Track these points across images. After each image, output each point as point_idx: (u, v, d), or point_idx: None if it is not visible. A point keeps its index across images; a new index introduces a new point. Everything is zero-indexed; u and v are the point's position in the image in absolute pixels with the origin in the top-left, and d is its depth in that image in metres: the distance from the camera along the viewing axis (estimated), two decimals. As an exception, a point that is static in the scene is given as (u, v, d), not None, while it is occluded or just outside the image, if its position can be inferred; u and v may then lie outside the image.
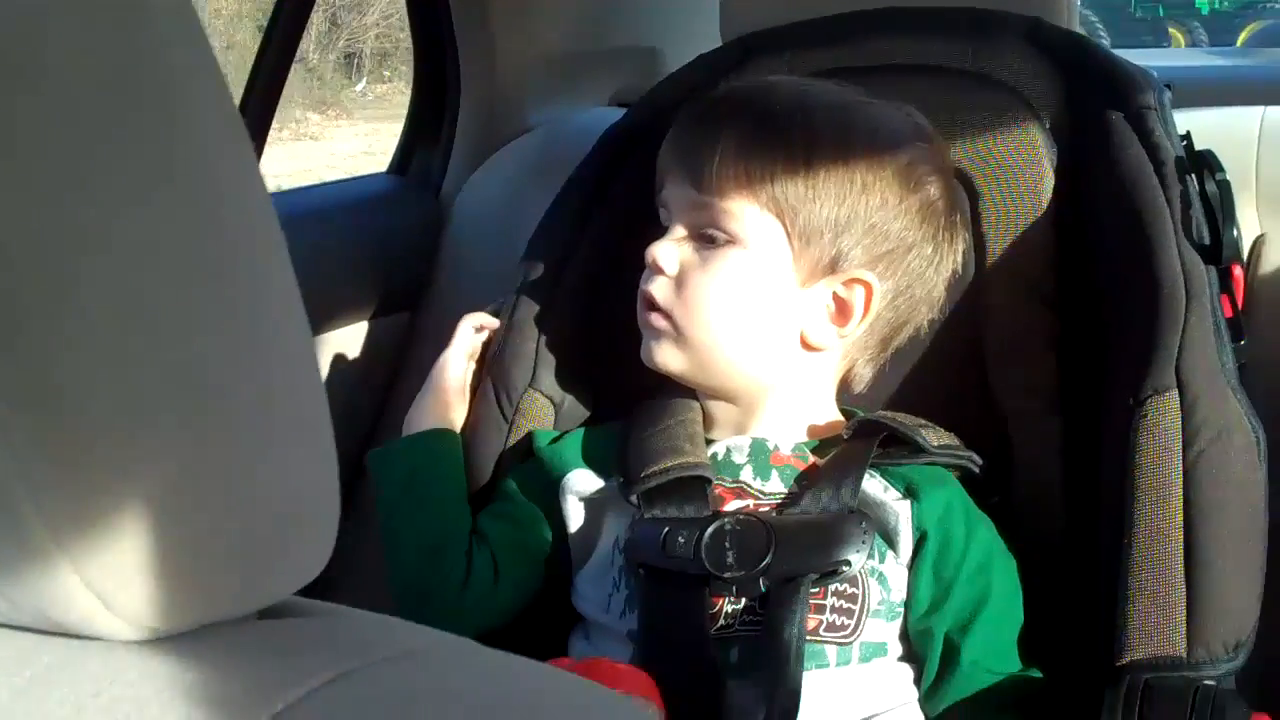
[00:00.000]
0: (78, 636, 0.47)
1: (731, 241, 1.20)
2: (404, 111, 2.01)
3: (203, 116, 0.46)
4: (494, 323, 1.39)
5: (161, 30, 0.45)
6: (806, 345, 1.23)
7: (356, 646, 0.48)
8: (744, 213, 1.19)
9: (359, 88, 11.11)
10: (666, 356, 1.23)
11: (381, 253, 1.77)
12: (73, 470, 0.42)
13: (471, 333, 1.39)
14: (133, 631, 0.46)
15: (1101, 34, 8.59)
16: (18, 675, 0.45)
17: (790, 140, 1.19)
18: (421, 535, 1.28)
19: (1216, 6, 11.66)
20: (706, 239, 1.21)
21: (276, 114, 1.77)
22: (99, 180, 0.43)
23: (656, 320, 1.22)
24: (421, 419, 1.34)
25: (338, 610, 0.52)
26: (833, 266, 1.20)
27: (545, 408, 1.35)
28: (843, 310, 1.22)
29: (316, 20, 9.67)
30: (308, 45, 9.80)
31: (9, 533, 0.43)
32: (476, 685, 0.49)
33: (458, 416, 1.36)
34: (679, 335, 1.22)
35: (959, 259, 1.27)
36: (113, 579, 0.44)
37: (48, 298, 0.41)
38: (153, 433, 0.44)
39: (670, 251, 1.22)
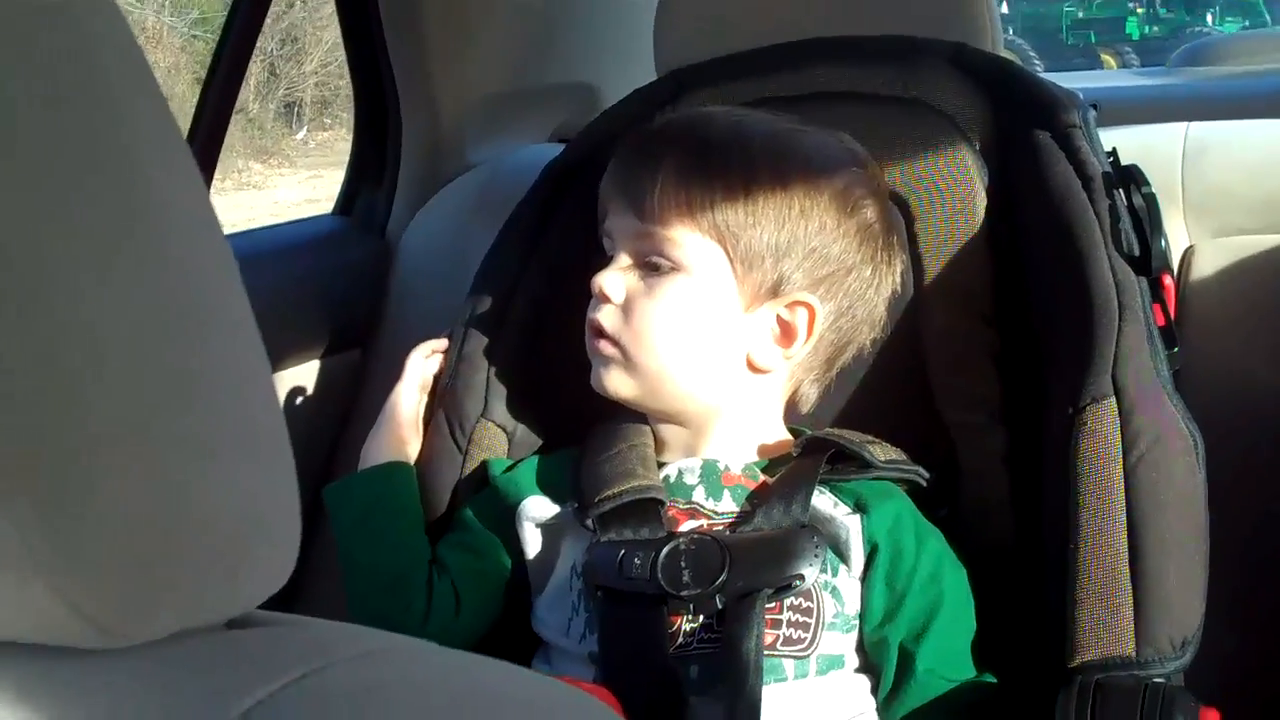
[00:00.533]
0: (52, 647, 0.48)
1: (676, 268, 1.22)
2: (346, 158, 2.02)
3: (146, 144, 0.48)
4: (443, 344, 1.41)
5: (103, 49, 0.47)
6: (753, 368, 1.25)
7: (322, 648, 0.50)
8: (686, 240, 1.22)
9: (300, 136, 11.10)
10: (616, 383, 1.25)
11: (330, 292, 1.78)
12: (46, 486, 0.44)
13: (422, 365, 1.40)
14: (105, 640, 0.47)
15: (1035, 61, 8.68)
16: (1, 687, 0.47)
17: (728, 168, 1.22)
18: (381, 567, 1.29)
19: (1147, 32, 11.83)
20: (651, 266, 1.23)
21: (219, 164, 1.78)
22: (54, 210, 0.44)
23: (605, 348, 1.24)
24: (376, 453, 1.36)
25: (302, 619, 0.54)
26: (775, 290, 1.23)
27: (498, 437, 1.36)
28: (786, 332, 1.24)
29: (255, 70, 9.65)
30: (247, 95, 9.78)
31: None
32: (442, 678, 0.50)
33: (412, 449, 1.37)
34: (628, 362, 1.24)
35: (898, 279, 1.30)
36: (86, 590, 0.45)
37: (12, 324, 0.43)
38: (118, 449, 0.45)
39: (616, 280, 1.24)
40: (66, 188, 0.45)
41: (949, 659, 1.17)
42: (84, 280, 0.45)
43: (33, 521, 0.44)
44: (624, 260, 1.25)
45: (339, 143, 10.20)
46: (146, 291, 0.47)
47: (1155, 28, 11.83)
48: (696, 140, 1.24)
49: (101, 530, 0.45)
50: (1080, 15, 12.18)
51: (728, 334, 1.23)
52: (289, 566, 0.53)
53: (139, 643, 0.48)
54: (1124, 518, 1.14)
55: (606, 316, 1.24)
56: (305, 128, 11.16)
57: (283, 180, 9.94)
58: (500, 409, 1.37)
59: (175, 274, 0.48)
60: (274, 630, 0.52)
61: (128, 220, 0.46)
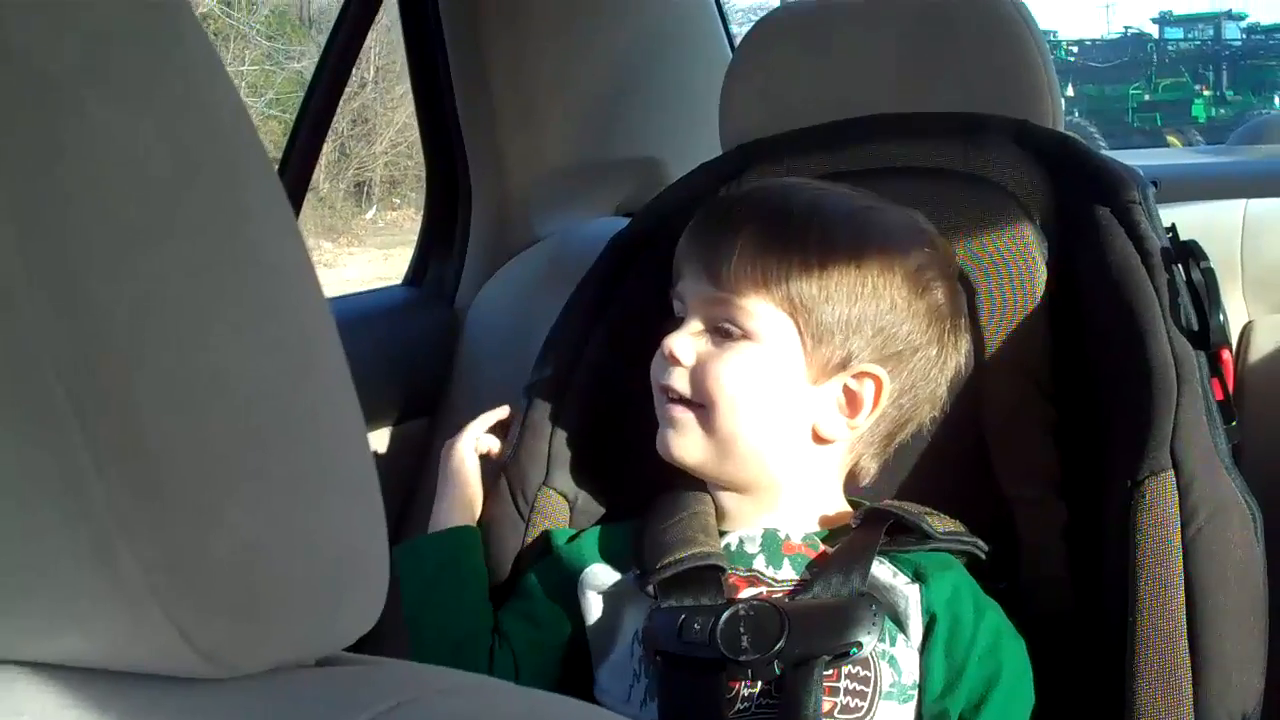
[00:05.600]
0: (158, 676, 0.51)
1: (746, 336, 1.23)
2: (414, 237, 2.06)
3: (259, 204, 0.51)
4: (503, 413, 1.44)
5: (223, 119, 0.50)
6: (818, 438, 1.26)
7: (411, 683, 0.52)
8: (759, 310, 1.23)
9: (369, 215, 11.25)
10: (682, 447, 1.26)
11: (399, 361, 1.81)
12: (166, 521, 0.47)
13: (479, 432, 1.43)
14: (211, 670, 0.50)
15: (1099, 142, 8.70)
16: (108, 713, 0.49)
17: (806, 242, 1.23)
18: (447, 632, 1.30)
19: (1214, 114, 11.83)
20: (722, 332, 1.24)
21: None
22: (180, 266, 0.47)
23: (674, 411, 1.26)
24: (446, 517, 1.38)
25: (389, 660, 0.56)
26: (843, 365, 1.24)
27: (560, 504, 1.38)
28: (852, 402, 1.25)
29: (326, 150, 9.79)
30: (319, 175, 9.93)
31: (108, 579, 0.47)
32: (526, 714, 0.53)
33: (478, 513, 1.39)
34: (695, 426, 1.25)
35: (963, 359, 1.31)
36: (199, 622, 0.48)
37: (139, 369, 0.46)
38: (229, 489, 0.48)
39: (686, 343, 1.25)
40: (201, 259, 0.48)
41: (1008, 731, 1.17)
42: (212, 328, 0.48)
43: (155, 557, 0.46)
44: (695, 325, 1.26)
45: (407, 222, 10.32)
46: (261, 339, 0.50)
47: (1222, 110, 11.83)
48: (776, 213, 1.26)
49: (217, 565, 0.48)
50: (1146, 98, 12.20)
51: (794, 404, 1.24)
52: (379, 607, 0.55)
53: (240, 675, 0.51)
54: (1182, 591, 1.14)
55: (676, 379, 1.25)
56: (375, 207, 11.31)
57: (352, 259, 10.06)
58: (562, 476, 1.38)
59: (284, 324, 0.51)
60: (365, 668, 0.54)
61: (251, 283, 0.49)
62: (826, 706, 1.14)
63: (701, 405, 1.24)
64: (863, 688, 1.15)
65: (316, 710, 0.49)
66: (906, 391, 1.27)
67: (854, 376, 1.25)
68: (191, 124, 0.49)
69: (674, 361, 1.25)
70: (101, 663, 0.51)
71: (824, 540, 1.25)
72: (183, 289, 0.47)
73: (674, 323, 1.29)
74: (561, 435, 1.39)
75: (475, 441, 1.42)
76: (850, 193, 1.31)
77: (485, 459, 1.43)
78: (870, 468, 1.31)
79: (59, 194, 0.45)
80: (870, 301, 1.23)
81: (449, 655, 1.28)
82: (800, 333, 1.23)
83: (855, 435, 1.27)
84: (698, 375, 1.25)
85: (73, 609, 0.49)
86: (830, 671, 1.15)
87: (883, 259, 1.24)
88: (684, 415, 1.25)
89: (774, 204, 1.27)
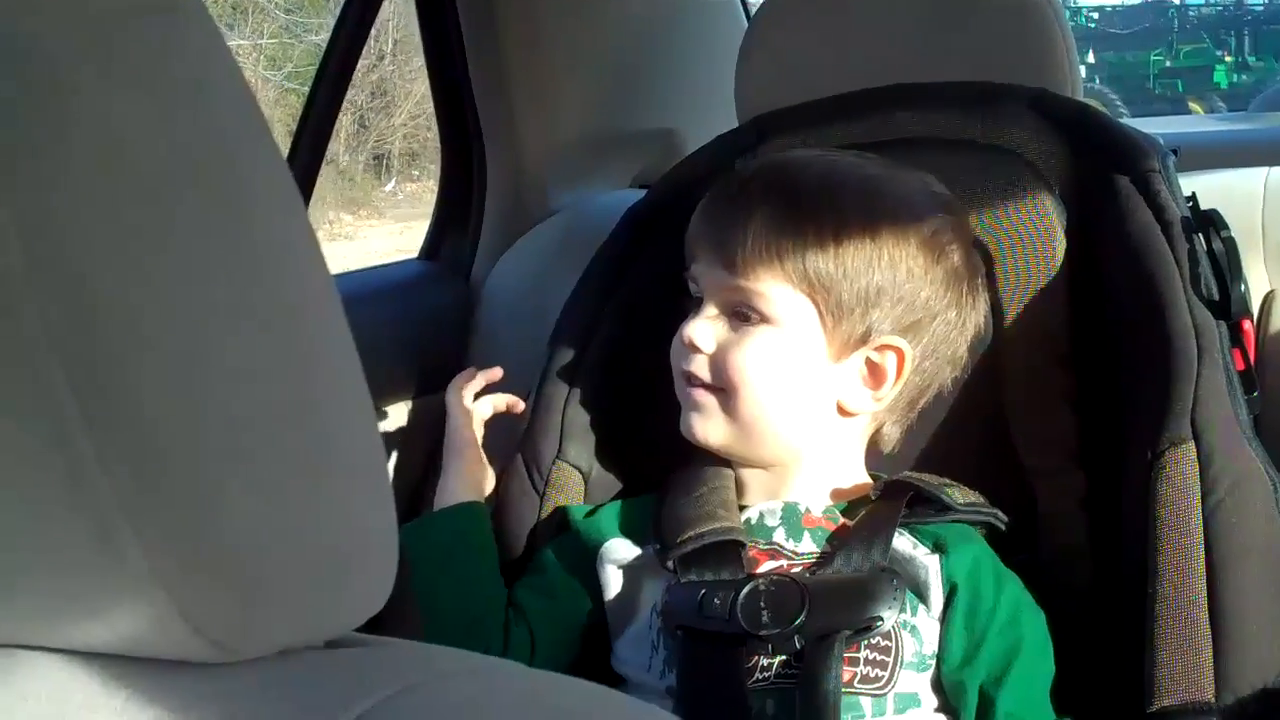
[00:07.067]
0: (167, 661, 0.51)
1: (765, 320, 1.23)
2: (433, 210, 2.06)
3: (261, 188, 0.51)
4: (492, 373, 1.46)
5: (226, 103, 0.50)
6: (843, 411, 1.26)
7: (421, 664, 0.52)
8: (775, 294, 1.22)
9: (389, 187, 11.25)
10: (708, 431, 1.26)
11: (415, 335, 1.81)
12: (169, 507, 0.47)
13: (465, 402, 1.44)
14: (218, 655, 0.50)
15: (1121, 109, 8.64)
16: (115, 697, 0.50)
17: (819, 220, 1.22)
18: (460, 609, 1.30)
19: (1235, 80, 11.74)
20: (741, 316, 1.24)
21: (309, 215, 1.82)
22: (182, 254, 0.47)
23: (698, 396, 1.26)
24: (452, 493, 1.38)
25: (397, 641, 0.56)
26: (864, 340, 1.24)
27: (574, 478, 1.38)
28: (875, 374, 1.25)
29: (345, 122, 9.81)
30: (337, 147, 9.93)
31: (113, 565, 0.47)
32: (537, 696, 0.53)
33: (487, 486, 1.40)
34: (721, 410, 1.25)
35: (981, 319, 1.30)
36: (204, 607, 0.48)
37: (141, 358, 0.46)
38: (232, 475, 0.48)
39: (705, 330, 1.25)
40: (201, 244, 0.48)
41: (1029, 703, 1.17)
42: (213, 315, 0.48)
43: (159, 543, 0.47)
44: (711, 310, 1.26)
45: (426, 194, 10.30)
46: (268, 330, 0.50)
47: (1244, 76, 11.74)
48: (787, 190, 1.25)
49: (221, 550, 0.48)
50: (1168, 64, 12.12)
51: (817, 383, 1.24)
52: (387, 589, 0.55)
53: (248, 658, 0.51)
54: (1202, 562, 1.14)
55: (698, 366, 1.25)
56: (394, 179, 11.31)
57: (372, 231, 10.07)
58: (576, 450, 1.38)
59: (288, 309, 0.51)
60: (372, 649, 0.54)
61: (252, 268, 0.50)
62: (847, 676, 1.14)
63: (723, 389, 1.24)
64: (884, 658, 1.16)
65: (322, 695, 0.49)
66: (928, 356, 1.26)
67: (875, 349, 1.24)
68: (194, 109, 0.49)
69: (693, 349, 1.25)
70: (107, 647, 0.51)
71: (843, 513, 1.25)
72: (184, 277, 0.47)
73: (690, 300, 1.29)
74: (575, 409, 1.39)
75: (476, 409, 1.43)
76: (860, 161, 1.30)
77: (491, 429, 1.44)
78: (893, 434, 1.31)
79: (60, 183, 0.45)
80: (887, 272, 1.22)
81: (463, 632, 1.28)
82: (819, 312, 1.22)
83: (880, 406, 1.27)
84: (718, 361, 1.24)
85: (78, 595, 0.49)
86: (851, 644, 1.15)
87: (896, 228, 1.23)
88: (707, 399, 1.25)
89: (784, 182, 1.26)
